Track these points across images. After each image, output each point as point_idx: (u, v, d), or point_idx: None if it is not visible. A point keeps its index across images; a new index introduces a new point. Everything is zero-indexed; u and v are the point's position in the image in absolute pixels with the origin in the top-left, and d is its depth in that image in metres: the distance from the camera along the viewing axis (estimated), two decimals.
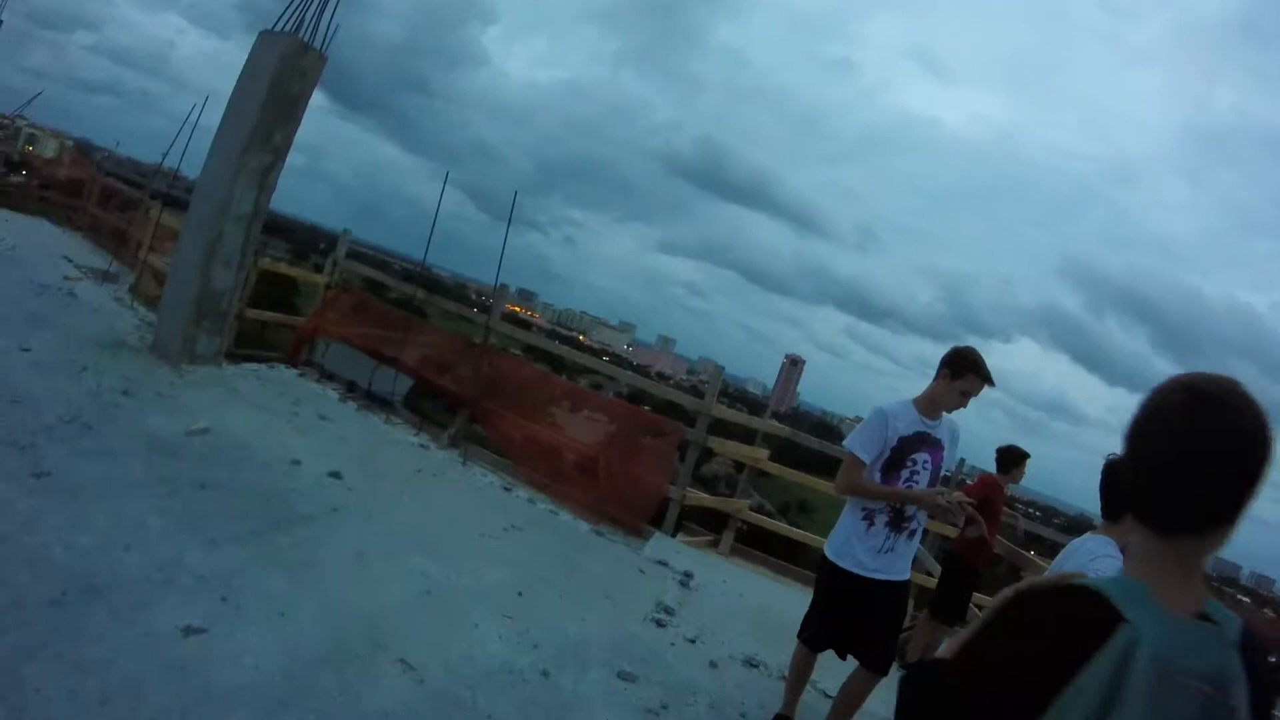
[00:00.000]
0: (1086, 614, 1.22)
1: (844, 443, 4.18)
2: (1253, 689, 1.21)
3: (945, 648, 1.53)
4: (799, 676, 4.49)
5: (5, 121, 23.08)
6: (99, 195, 16.15)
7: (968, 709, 1.27)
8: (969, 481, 7.70)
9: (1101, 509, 3.30)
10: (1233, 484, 1.24)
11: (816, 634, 4.31)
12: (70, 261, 11.49)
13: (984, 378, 4.03)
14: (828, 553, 4.21)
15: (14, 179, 19.43)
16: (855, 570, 4.06)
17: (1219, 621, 1.24)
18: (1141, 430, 1.33)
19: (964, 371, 4.02)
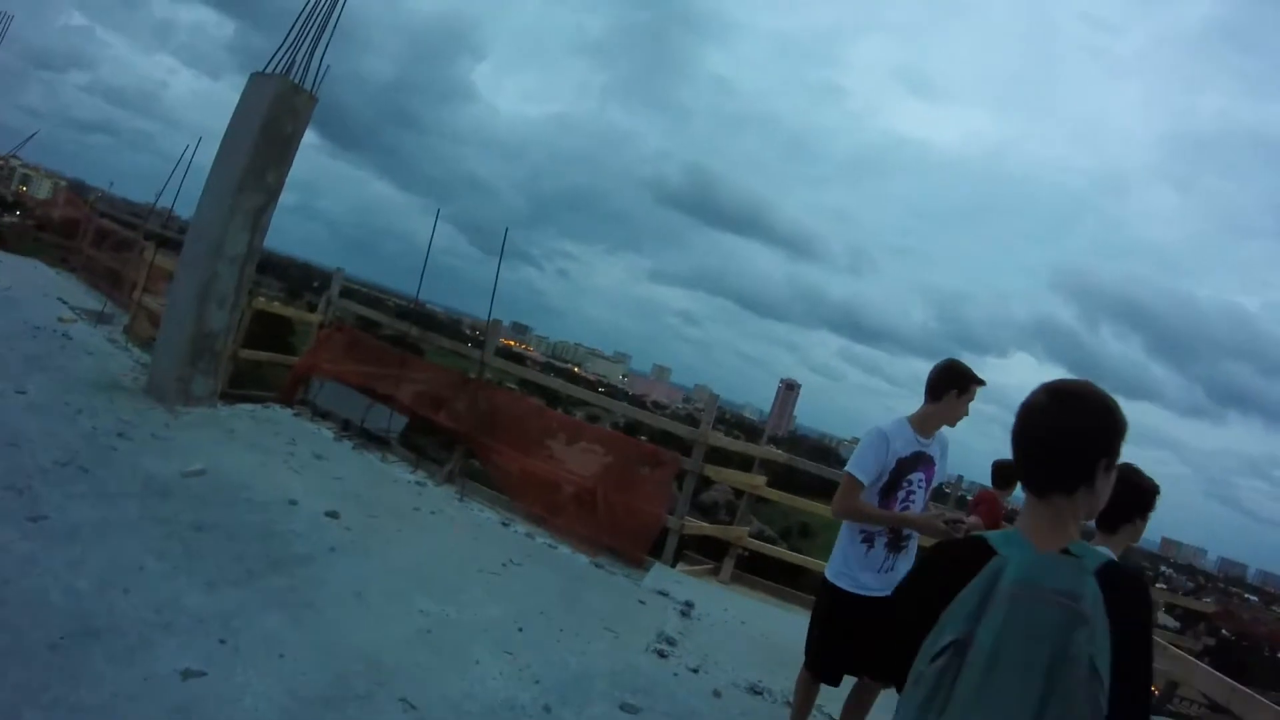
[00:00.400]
0: (972, 551, 1.74)
1: (847, 466, 4.13)
2: (1112, 604, 1.59)
3: None
4: (804, 701, 4.47)
5: (0, 161, 23.16)
6: (93, 236, 16.17)
7: (900, 617, 1.88)
8: (968, 497, 7.68)
9: (1096, 520, 3.21)
10: (1085, 458, 1.74)
11: (823, 661, 4.28)
12: (64, 303, 11.51)
13: (979, 380, 4.15)
14: (828, 575, 4.20)
15: (8, 219, 19.48)
16: (856, 590, 4.06)
17: (1079, 555, 1.67)
18: (1020, 422, 1.80)
19: (967, 384, 4.12)
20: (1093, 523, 3.08)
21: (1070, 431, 1.75)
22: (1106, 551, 1.81)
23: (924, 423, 4.13)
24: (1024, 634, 1.57)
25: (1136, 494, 3.19)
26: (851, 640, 4.10)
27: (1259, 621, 15.48)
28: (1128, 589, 1.67)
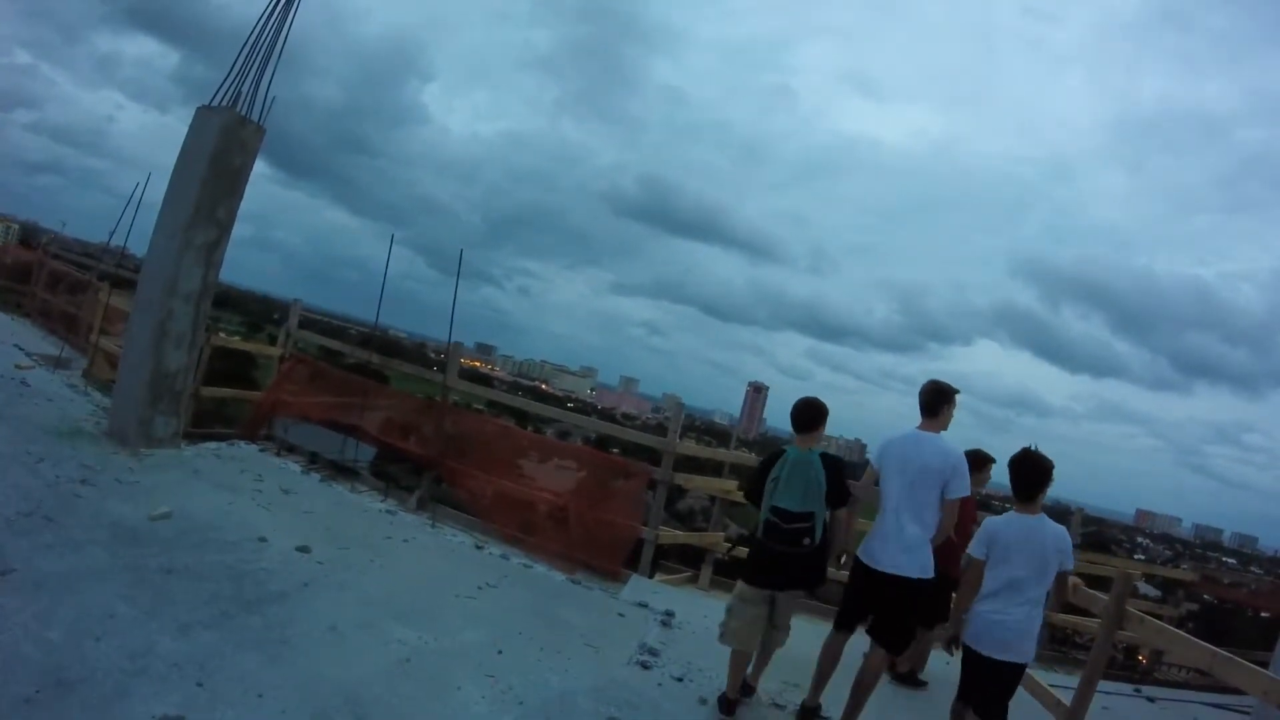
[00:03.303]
0: (778, 452, 5.14)
1: (960, 491, 5.03)
2: (825, 464, 4.96)
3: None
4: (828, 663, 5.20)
5: None
6: (47, 279, 15.91)
7: (759, 472, 5.19)
8: None
9: (1020, 494, 4.69)
10: (819, 422, 5.17)
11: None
12: (21, 349, 11.30)
13: (958, 390, 5.34)
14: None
15: None
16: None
17: (814, 451, 5.01)
18: (796, 408, 5.17)
19: (954, 397, 5.27)
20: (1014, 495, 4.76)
21: (816, 411, 5.13)
22: (822, 448, 5.10)
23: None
24: (795, 474, 4.90)
25: (1040, 473, 4.65)
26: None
27: (1238, 584, 15.72)
28: (830, 459, 5.04)
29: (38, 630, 3.84)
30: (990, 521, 4.80)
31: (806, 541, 4.86)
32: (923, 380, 5.31)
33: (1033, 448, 4.75)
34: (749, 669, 5.29)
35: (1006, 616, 4.49)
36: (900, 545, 4.90)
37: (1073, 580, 4.80)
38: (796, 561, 4.92)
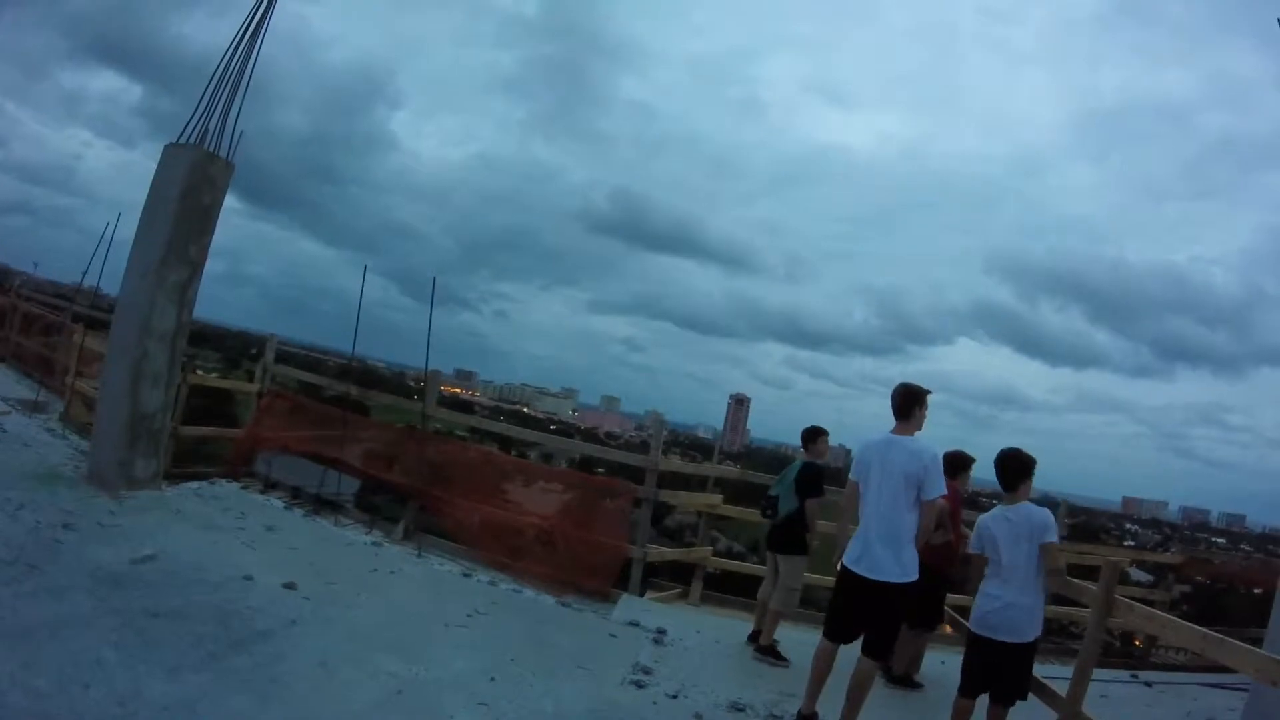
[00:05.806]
0: (790, 461, 8.23)
1: (936, 491, 5.11)
2: (801, 470, 7.22)
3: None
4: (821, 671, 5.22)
5: None
6: (20, 322, 15.77)
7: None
8: None
9: (1005, 485, 5.24)
10: (804, 440, 7.54)
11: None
12: None
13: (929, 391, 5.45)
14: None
15: None
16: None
17: (800, 460, 7.46)
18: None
19: (925, 398, 5.37)
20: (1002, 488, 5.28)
21: (811, 432, 7.47)
22: (805, 458, 7.43)
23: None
24: (784, 474, 7.45)
25: (1005, 465, 5.21)
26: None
27: (1228, 563, 15.90)
28: (809, 466, 7.26)
29: (25, 679, 3.79)
30: (980, 518, 5.39)
31: (769, 513, 7.25)
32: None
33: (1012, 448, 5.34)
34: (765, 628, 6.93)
35: (995, 600, 5.00)
36: (880, 549, 4.96)
37: (1056, 548, 5.13)
38: (775, 530, 7.22)
